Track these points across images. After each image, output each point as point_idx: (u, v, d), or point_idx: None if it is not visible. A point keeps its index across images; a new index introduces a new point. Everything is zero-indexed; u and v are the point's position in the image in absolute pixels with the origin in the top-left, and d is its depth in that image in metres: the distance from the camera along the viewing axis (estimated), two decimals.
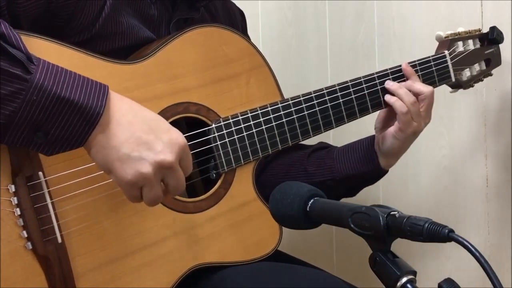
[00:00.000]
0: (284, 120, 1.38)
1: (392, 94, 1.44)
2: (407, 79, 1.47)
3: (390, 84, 1.45)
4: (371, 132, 1.50)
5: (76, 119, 1.04)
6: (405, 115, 1.41)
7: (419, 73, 1.49)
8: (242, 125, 1.33)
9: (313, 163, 1.51)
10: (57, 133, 1.04)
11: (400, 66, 1.48)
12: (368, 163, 1.47)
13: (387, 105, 1.45)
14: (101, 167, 1.08)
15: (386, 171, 1.50)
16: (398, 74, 1.47)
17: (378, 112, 1.48)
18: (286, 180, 1.37)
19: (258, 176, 1.40)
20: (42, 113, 1.02)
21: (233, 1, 1.58)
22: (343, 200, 1.53)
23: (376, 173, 1.49)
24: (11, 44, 1.02)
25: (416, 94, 1.43)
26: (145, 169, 1.06)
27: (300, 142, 1.43)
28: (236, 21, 1.55)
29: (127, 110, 1.09)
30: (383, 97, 1.46)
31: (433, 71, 1.52)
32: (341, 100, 1.42)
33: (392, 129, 1.43)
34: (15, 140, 1.03)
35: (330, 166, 1.49)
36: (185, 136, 1.28)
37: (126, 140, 1.06)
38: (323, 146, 1.56)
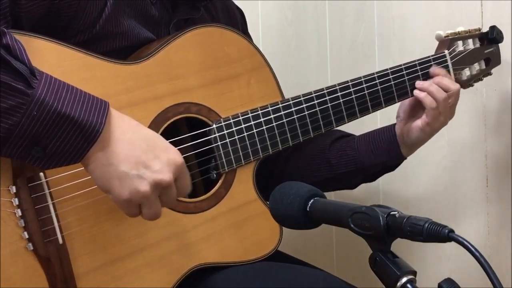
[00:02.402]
0: (284, 120, 1.38)
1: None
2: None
3: (420, 84, 1.47)
4: None
5: (76, 135, 1.04)
6: (434, 110, 1.44)
7: (420, 73, 1.50)
8: (243, 125, 1.34)
9: (335, 154, 1.52)
10: (55, 148, 1.04)
11: (400, 66, 1.48)
12: (391, 153, 1.50)
13: (387, 104, 1.46)
14: (98, 184, 1.09)
15: (405, 158, 1.53)
16: (398, 74, 1.47)
17: (400, 102, 1.50)
18: (310, 173, 1.43)
19: (282, 169, 1.42)
20: (42, 127, 1.02)
21: (233, 1, 1.58)
22: (343, 199, 1.54)
23: (398, 161, 1.53)
24: (15, 56, 1.02)
25: (444, 90, 1.46)
26: (143, 187, 1.08)
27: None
28: (236, 21, 1.55)
29: (127, 128, 1.10)
30: (383, 96, 1.46)
31: None
32: (341, 100, 1.43)
33: (419, 123, 1.45)
34: (12, 153, 1.03)
35: (353, 157, 1.50)
36: (186, 137, 1.29)
37: (126, 158, 1.07)
38: (342, 135, 1.57)
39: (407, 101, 1.49)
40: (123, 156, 1.07)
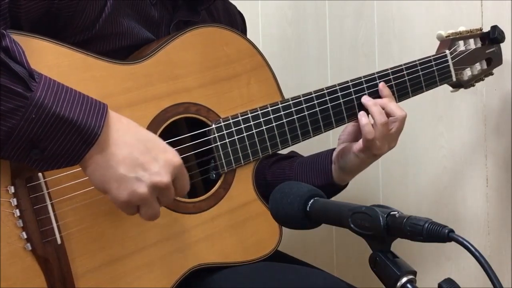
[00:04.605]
0: (284, 120, 1.38)
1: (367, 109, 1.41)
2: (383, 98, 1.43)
3: (366, 99, 1.42)
4: None
5: (74, 138, 1.04)
6: (370, 141, 1.38)
7: (420, 73, 1.49)
8: (242, 126, 1.33)
9: (273, 172, 1.51)
10: (54, 150, 1.04)
11: (401, 66, 1.48)
12: (323, 177, 1.46)
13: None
14: (97, 186, 1.09)
15: (342, 187, 1.48)
16: (398, 74, 1.47)
17: (345, 125, 1.45)
18: None
19: None
20: (40, 130, 1.02)
21: (233, 3, 1.58)
22: (343, 199, 1.53)
23: (330, 188, 1.47)
24: (14, 59, 1.02)
25: (388, 115, 1.40)
26: (141, 189, 1.08)
27: (282, 149, 1.40)
28: (236, 23, 1.55)
29: (125, 130, 1.09)
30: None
31: (434, 71, 1.52)
32: (341, 100, 1.42)
33: (354, 147, 1.41)
34: (11, 155, 1.03)
35: (289, 177, 1.48)
36: (185, 137, 1.29)
37: (123, 160, 1.07)
38: (290, 156, 1.55)
39: (351, 124, 1.45)
40: (121, 158, 1.07)
